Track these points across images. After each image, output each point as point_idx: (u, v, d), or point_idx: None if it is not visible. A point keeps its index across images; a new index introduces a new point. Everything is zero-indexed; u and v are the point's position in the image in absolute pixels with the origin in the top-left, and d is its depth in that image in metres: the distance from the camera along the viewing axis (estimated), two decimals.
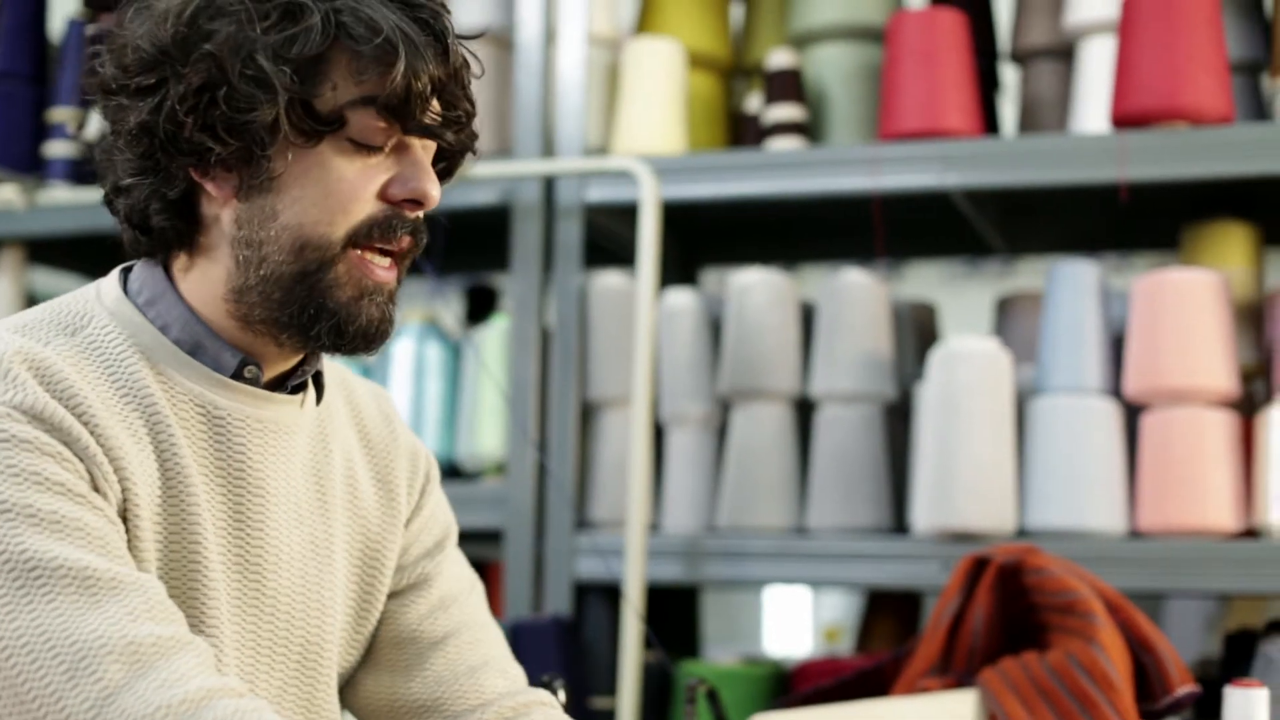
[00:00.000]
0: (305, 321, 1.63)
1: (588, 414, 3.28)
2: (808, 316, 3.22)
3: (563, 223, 3.22)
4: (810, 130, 3.26)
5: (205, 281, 1.66)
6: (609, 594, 3.19)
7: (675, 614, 3.61)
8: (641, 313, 3.00)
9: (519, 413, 3.17)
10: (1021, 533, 2.92)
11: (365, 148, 1.62)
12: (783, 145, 3.19)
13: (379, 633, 1.86)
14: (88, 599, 1.45)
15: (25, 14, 3.68)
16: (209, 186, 1.63)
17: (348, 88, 1.60)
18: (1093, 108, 3.05)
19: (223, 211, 1.63)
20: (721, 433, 3.21)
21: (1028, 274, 5.77)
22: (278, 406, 1.70)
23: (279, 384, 1.72)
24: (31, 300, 3.92)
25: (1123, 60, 2.90)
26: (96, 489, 1.54)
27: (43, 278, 4.31)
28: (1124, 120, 2.90)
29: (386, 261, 1.66)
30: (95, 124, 3.13)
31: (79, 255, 3.95)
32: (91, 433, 1.54)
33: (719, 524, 3.13)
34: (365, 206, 1.62)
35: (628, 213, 3.19)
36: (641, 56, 3.26)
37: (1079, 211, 3.43)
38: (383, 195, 1.63)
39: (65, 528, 1.48)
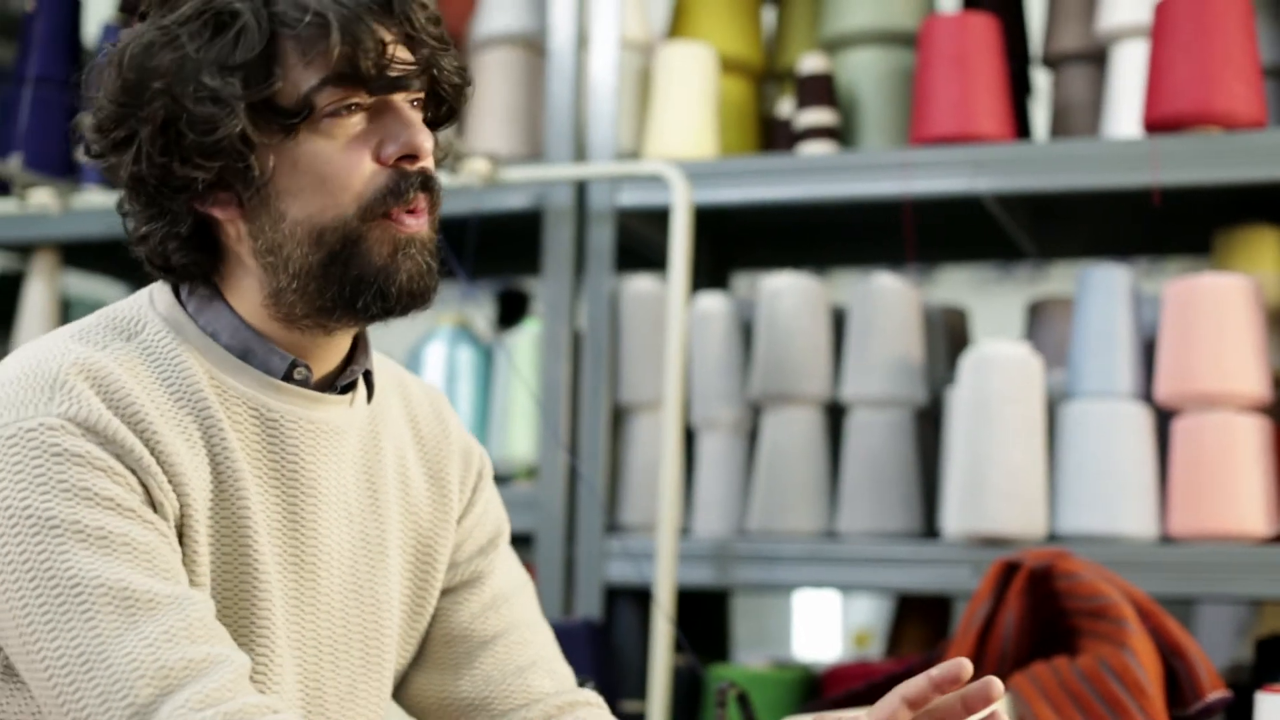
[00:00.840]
0: (349, 297, 1.63)
1: (619, 418, 3.28)
2: (839, 321, 3.22)
3: (594, 227, 3.23)
4: (842, 135, 3.26)
5: (244, 294, 1.67)
6: (639, 598, 3.19)
7: (706, 618, 3.61)
8: (673, 317, 3.01)
9: (550, 416, 3.18)
10: (1052, 537, 2.91)
11: (342, 120, 1.61)
12: (814, 150, 3.19)
13: (430, 630, 1.87)
14: (125, 620, 1.47)
15: (60, 19, 3.71)
16: (214, 212, 1.64)
17: (301, 74, 1.59)
18: (1125, 112, 3.04)
19: (235, 232, 1.65)
20: (752, 437, 3.22)
21: (1059, 279, 5.76)
22: (328, 407, 1.71)
23: (329, 384, 1.73)
24: (65, 303, 3.95)
25: (1155, 65, 2.90)
26: (151, 501, 1.55)
27: (76, 281, 4.34)
28: (1156, 125, 2.89)
29: (411, 217, 1.65)
30: None
31: (112, 258, 3.97)
32: (146, 443, 1.55)
33: (750, 528, 3.13)
34: (366, 176, 1.62)
35: (659, 217, 3.19)
36: (673, 61, 3.27)
37: (1111, 216, 3.42)
38: (377, 160, 1.63)
39: (111, 544, 1.50)
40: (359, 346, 1.76)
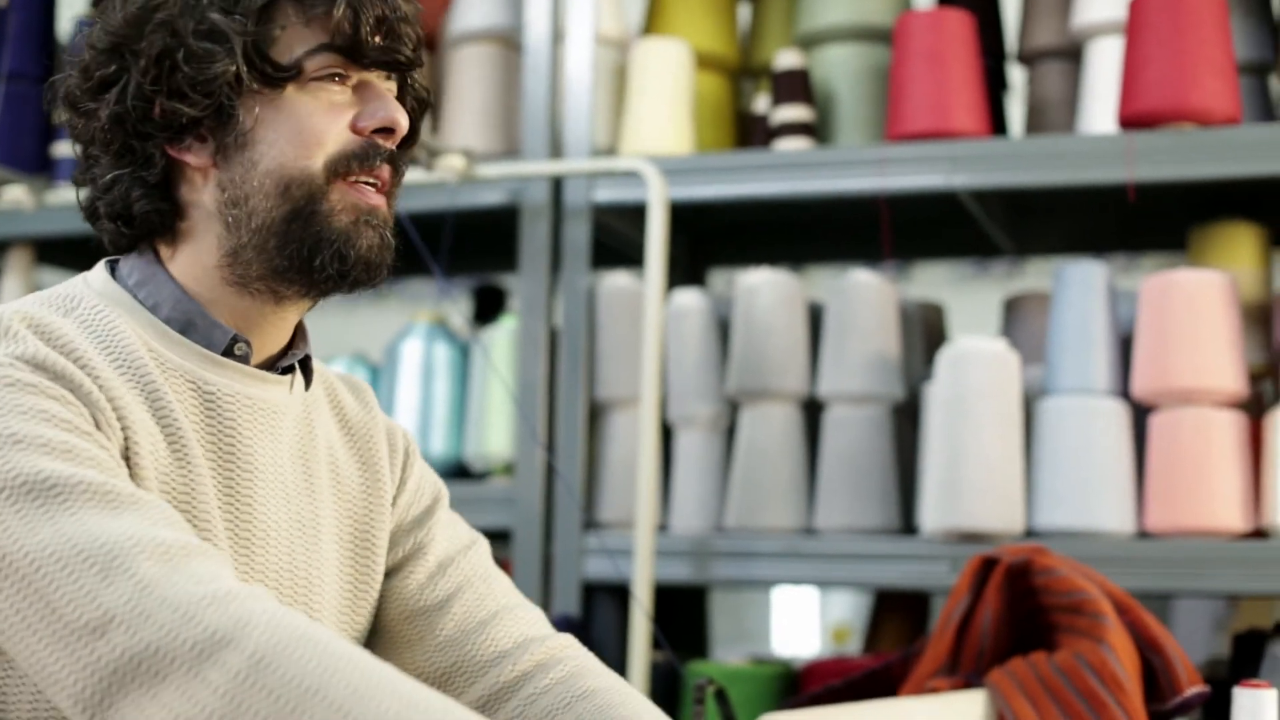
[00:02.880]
0: (306, 256, 1.66)
1: (596, 414, 3.28)
2: (816, 317, 3.22)
3: (571, 223, 3.22)
4: (818, 131, 3.26)
5: (195, 257, 1.69)
6: (618, 594, 3.19)
7: (684, 614, 3.62)
8: (649, 313, 3.01)
9: (527, 413, 3.18)
10: (1030, 533, 2.92)
11: (328, 86, 1.67)
12: (790, 146, 3.19)
13: (388, 612, 1.86)
14: (109, 509, 1.46)
15: (33, 15, 3.70)
16: (188, 158, 1.67)
17: (299, 35, 1.66)
18: (1100, 109, 3.05)
19: (203, 181, 1.68)
20: (730, 433, 3.22)
21: (1036, 274, 5.77)
22: (267, 386, 1.72)
23: (268, 366, 1.75)
24: None
25: (1130, 61, 2.90)
26: (100, 430, 1.55)
27: (51, 277, 4.32)
28: (1131, 121, 2.90)
29: (374, 189, 1.70)
30: None
31: (86, 255, 3.94)
32: (93, 380, 1.56)
33: (727, 524, 3.13)
34: (339, 138, 1.67)
35: (636, 213, 3.19)
36: (649, 57, 3.27)
37: (1087, 212, 3.43)
38: (353, 129, 1.68)
39: (77, 455, 1.49)
40: (298, 334, 1.78)
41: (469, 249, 3.46)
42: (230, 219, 1.66)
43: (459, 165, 3.09)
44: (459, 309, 3.52)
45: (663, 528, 3.19)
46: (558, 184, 3.24)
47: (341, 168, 1.66)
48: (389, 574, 1.87)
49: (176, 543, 1.45)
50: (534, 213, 3.23)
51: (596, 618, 3.20)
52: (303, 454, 1.78)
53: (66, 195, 3.41)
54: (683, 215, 3.25)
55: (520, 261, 3.25)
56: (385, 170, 1.70)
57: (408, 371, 3.36)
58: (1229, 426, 2.82)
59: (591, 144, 3.23)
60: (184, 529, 1.51)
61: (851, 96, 3.28)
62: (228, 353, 1.69)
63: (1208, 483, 2.79)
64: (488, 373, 3.30)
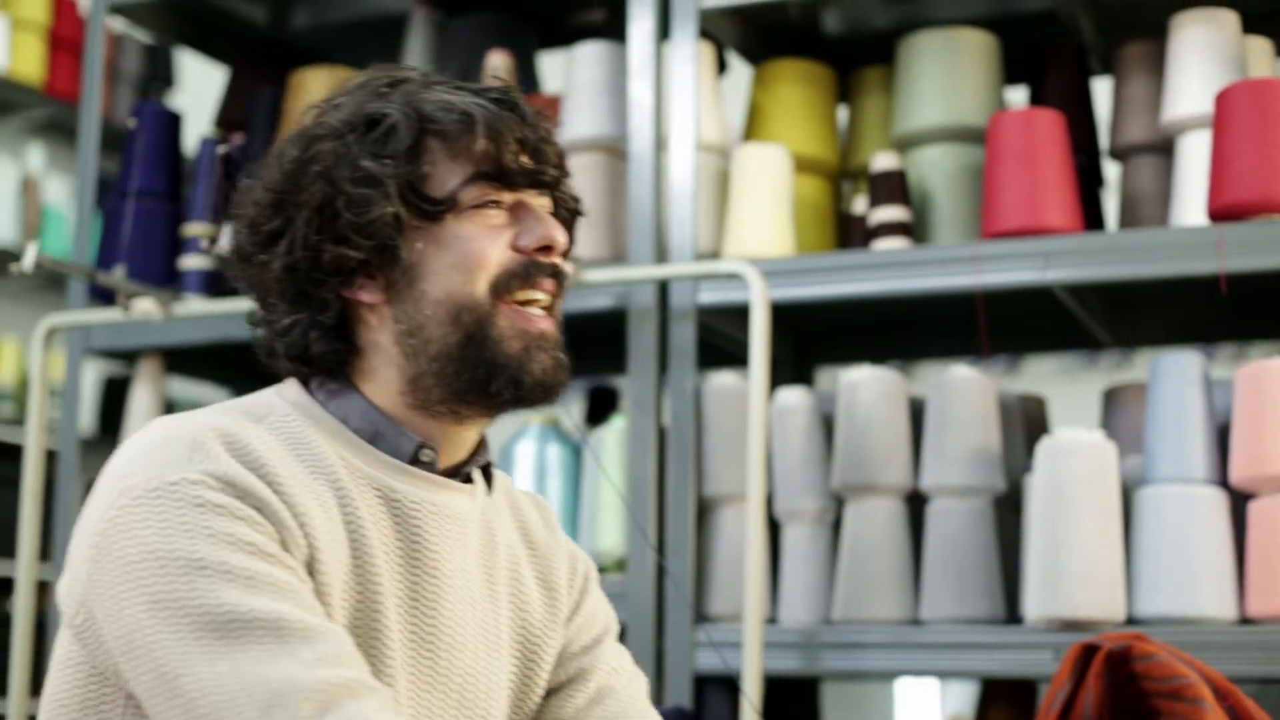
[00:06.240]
0: (483, 379, 1.71)
1: (704, 511, 3.33)
2: (919, 412, 3.26)
3: (676, 325, 3.29)
4: (915, 230, 3.33)
5: (380, 383, 1.75)
6: (729, 685, 3.24)
7: (796, 707, 3.66)
8: (754, 411, 3.07)
9: (638, 511, 3.24)
10: (1131, 620, 2.94)
11: (484, 212, 1.73)
12: (888, 245, 3.26)
13: None
14: (279, 644, 1.51)
15: (161, 134, 3.83)
16: (361, 297, 1.73)
17: (448, 168, 1.72)
18: (1192, 202, 3.08)
19: (378, 316, 1.73)
20: (835, 527, 3.27)
21: (1143, 367, 5.77)
22: (451, 493, 1.77)
23: (452, 474, 1.79)
24: (169, 406, 4.06)
25: (1218, 155, 2.95)
26: (287, 550, 1.60)
27: (180, 386, 4.46)
28: (1221, 213, 2.94)
29: (540, 312, 1.75)
30: (227, 238, 3.25)
31: (214, 364, 4.09)
32: (281, 499, 1.61)
33: (835, 617, 3.17)
34: (500, 259, 1.72)
35: (739, 314, 3.25)
36: (750, 162, 3.35)
37: (1190, 304, 3.45)
38: (514, 248, 1.73)
39: (258, 582, 1.54)
40: (481, 443, 1.83)
41: (579, 352, 3.52)
42: (409, 349, 1.72)
43: (569, 272, 3.17)
44: (570, 411, 3.59)
45: (771, 621, 3.24)
46: (663, 287, 3.31)
47: (505, 287, 1.71)
48: (549, 693, 1.90)
49: (338, 681, 1.50)
50: (641, 315, 3.30)
51: (709, 709, 3.25)
52: (485, 560, 1.81)
53: (193, 307, 3.54)
54: (786, 315, 3.31)
55: (629, 363, 3.32)
56: (550, 283, 1.75)
57: (522, 472, 3.44)
58: None
59: (695, 248, 3.30)
60: (352, 663, 1.55)
61: (947, 196, 3.34)
62: (414, 460, 1.74)
63: None
64: (599, 472, 3.37)
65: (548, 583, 1.91)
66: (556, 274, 1.76)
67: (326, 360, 1.74)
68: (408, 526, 1.73)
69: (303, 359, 1.75)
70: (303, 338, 1.74)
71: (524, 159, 1.74)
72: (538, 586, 1.89)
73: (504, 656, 1.82)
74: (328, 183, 1.70)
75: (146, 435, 1.66)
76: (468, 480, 1.81)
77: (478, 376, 1.71)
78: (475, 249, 1.71)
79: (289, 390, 1.77)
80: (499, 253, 1.72)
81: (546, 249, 1.74)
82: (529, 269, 1.73)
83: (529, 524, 1.92)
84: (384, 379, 1.74)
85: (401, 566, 1.72)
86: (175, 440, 1.62)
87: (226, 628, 1.51)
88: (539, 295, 1.74)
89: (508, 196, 1.74)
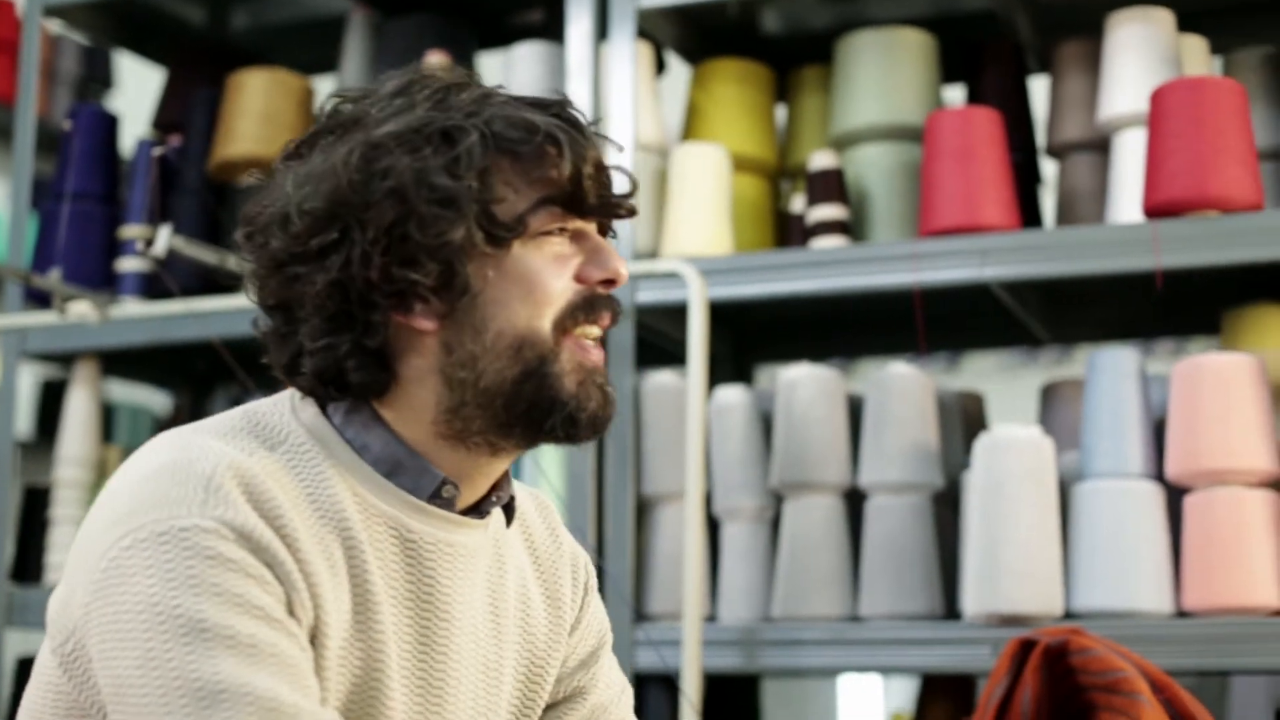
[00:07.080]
0: (537, 418, 1.62)
1: (643, 509, 3.35)
2: (858, 409, 3.28)
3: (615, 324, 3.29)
4: (853, 228, 3.34)
5: (409, 411, 1.65)
6: (669, 684, 3.24)
7: (736, 705, 3.66)
8: (692, 409, 3.08)
9: (576, 509, 3.24)
10: (1069, 615, 2.96)
11: (550, 239, 1.64)
12: (826, 244, 3.27)
13: None
14: None
15: (97, 136, 3.82)
16: (414, 323, 1.62)
17: (520, 191, 1.62)
18: (1128, 199, 3.11)
19: (425, 345, 1.63)
20: (775, 524, 3.28)
21: (1082, 363, 5.78)
22: (467, 531, 1.70)
23: (471, 508, 1.72)
24: (107, 409, 4.03)
25: (1153, 153, 2.97)
26: (292, 613, 1.53)
27: (118, 389, 4.43)
28: (1156, 210, 2.96)
29: (593, 343, 1.66)
30: (164, 240, 3.23)
31: (151, 366, 4.07)
32: (294, 556, 1.54)
33: (774, 614, 3.18)
34: (565, 292, 1.63)
35: (678, 313, 3.26)
36: (688, 161, 3.36)
37: (1127, 300, 3.48)
38: (578, 279, 1.64)
39: (260, 655, 1.47)
40: (504, 476, 1.74)
41: None
42: (456, 380, 1.62)
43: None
44: None
45: (711, 619, 3.25)
46: None
47: (569, 322, 1.62)
48: (546, 708, 1.86)
49: None
50: None
51: (649, 708, 3.25)
52: (492, 595, 1.75)
53: (130, 309, 3.51)
54: (725, 314, 3.32)
55: None
56: (608, 317, 1.67)
57: None
58: (1262, 505, 2.86)
59: (634, 247, 3.31)
60: None
61: (885, 194, 3.36)
62: (435, 495, 1.67)
63: (1242, 561, 2.83)
64: (537, 471, 3.37)
65: (553, 595, 1.85)
66: (613, 308, 1.68)
67: (362, 389, 1.64)
68: (421, 568, 1.66)
69: (336, 383, 1.64)
70: (338, 360, 1.62)
71: (599, 188, 1.65)
72: (544, 603, 1.84)
73: (504, 689, 1.78)
74: (400, 199, 1.58)
75: (155, 457, 1.56)
76: (484, 514, 1.74)
77: (531, 415, 1.62)
78: (543, 282, 1.61)
79: (305, 412, 1.66)
80: (564, 285, 1.62)
81: (609, 281, 1.66)
82: (593, 302, 1.64)
83: (533, 534, 1.86)
84: (416, 407, 1.64)
85: (411, 609, 1.66)
86: (189, 476, 1.53)
87: (216, 699, 1.45)
88: (597, 330, 1.66)
89: (573, 224, 1.66)
